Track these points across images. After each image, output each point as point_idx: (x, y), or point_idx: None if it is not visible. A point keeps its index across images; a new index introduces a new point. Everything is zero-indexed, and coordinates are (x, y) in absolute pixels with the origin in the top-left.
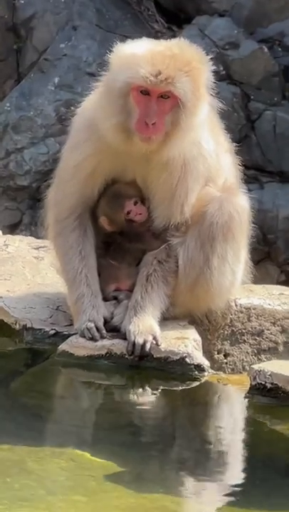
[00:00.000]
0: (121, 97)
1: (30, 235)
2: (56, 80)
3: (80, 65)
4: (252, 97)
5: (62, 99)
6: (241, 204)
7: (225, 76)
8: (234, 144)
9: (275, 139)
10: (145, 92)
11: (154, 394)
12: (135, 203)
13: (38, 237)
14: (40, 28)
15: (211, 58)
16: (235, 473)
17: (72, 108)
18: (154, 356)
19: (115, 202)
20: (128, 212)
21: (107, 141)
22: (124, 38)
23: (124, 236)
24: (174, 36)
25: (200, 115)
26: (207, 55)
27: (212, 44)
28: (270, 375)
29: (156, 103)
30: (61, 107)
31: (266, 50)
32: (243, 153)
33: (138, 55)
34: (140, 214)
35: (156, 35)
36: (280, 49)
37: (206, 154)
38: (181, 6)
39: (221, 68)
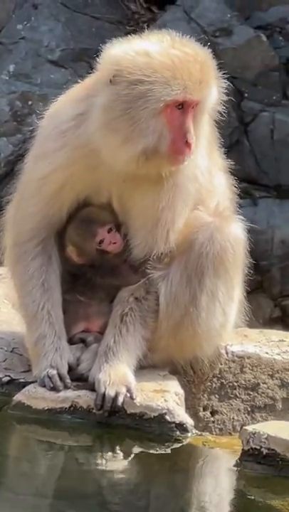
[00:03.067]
0: (154, 116)
1: None
2: (11, 67)
3: (41, 51)
4: (246, 95)
5: (18, 90)
6: (236, 233)
7: None
8: (223, 150)
9: (273, 146)
10: (180, 106)
11: (127, 457)
12: (109, 231)
13: None
14: None
15: None
16: None
17: (29, 103)
18: (128, 412)
19: (85, 229)
20: (100, 242)
21: (86, 153)
22: (94, 20)
23: (96, 269)
24: (153, 19)
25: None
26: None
27: (199, 30)
28: (266, 438)
29: (190, 116)
30: (16, 100)
31: (264, 38)
32: (233, 162)
33: (166, 63)
34: (115, 243)
35: (132, 17)
36: (281, 38)
37: (198, 172)
38: None
39: None
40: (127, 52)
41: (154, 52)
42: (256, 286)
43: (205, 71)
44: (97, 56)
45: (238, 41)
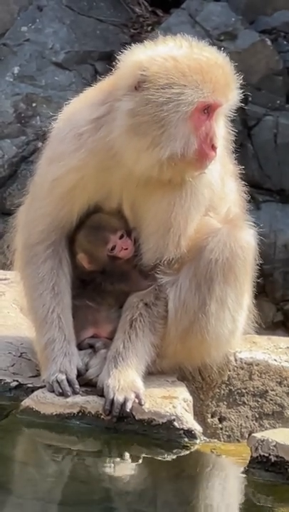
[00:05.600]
0: (183, 121)
1: None
2: (16, 69)
3: (45, 53)
4: (250, 99)
5: (23, 92)
6: (246, 239)
7: None
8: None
9: (276, 150)
10: (206, 111)
11: (135, 463)
12: (120, 237)
13: None
14: None
15: None
16: None
17: (33, 105)
18: (136, 418)
19: (97, 236)
20: (112, 248)
21: (101, 156)
22: (99, 22)
23: (105, 275)
24: (158, 22)
25: None
26: None
27: (204, 33)
28: (274, 445)
29: (214, 119)
30: (21, 102)
31: (269, 42)
32: (236, 166)
33: (195, 67)
34: (126, 249)
35: (137, 20)
36: (285, 42)
37: (212, 179)
38: None
39: None
40: (153, 57)
41: (181, 56)
42: (258, 290)
43: (228, 75)
44: (102, 59)
45: (243, 45)
